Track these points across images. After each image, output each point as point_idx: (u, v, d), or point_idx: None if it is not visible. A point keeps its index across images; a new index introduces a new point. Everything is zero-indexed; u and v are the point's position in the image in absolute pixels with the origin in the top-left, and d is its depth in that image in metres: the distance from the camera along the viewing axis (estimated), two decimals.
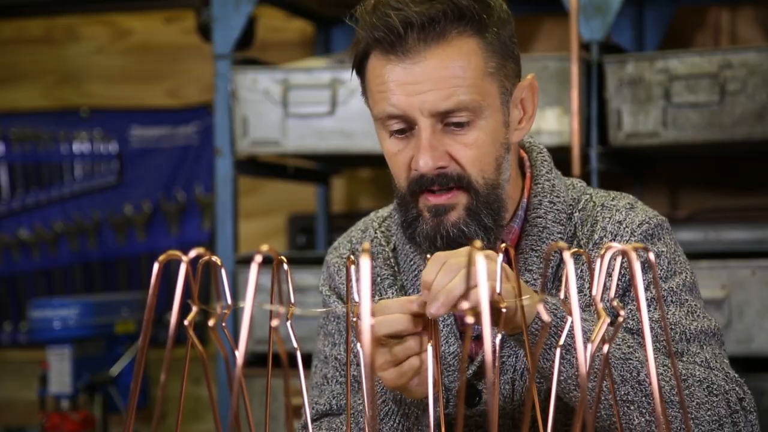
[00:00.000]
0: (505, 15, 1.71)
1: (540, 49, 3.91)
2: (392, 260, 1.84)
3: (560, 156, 3.19)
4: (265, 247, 1.01)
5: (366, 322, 0.89)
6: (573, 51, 3.07)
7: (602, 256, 1.03)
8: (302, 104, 3.34)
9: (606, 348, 1.08)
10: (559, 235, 1.76)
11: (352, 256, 1.33)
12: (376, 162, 3.77)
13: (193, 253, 1.06)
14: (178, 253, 1.05)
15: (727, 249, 3.16)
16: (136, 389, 1.07)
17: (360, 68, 1.71)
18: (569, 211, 1.81)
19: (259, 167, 3.64)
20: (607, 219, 1.82)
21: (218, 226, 3.47)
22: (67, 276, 4.54)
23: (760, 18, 3.75)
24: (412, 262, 1.81)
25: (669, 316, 1.77)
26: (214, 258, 1.10)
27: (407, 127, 1.66)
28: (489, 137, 1.67)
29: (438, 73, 1.63)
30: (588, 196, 1.85)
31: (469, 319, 0.97)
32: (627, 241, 1.79)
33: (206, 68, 3.91)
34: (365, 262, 0.92)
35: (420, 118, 1.64)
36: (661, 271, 1.82)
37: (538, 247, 1.74)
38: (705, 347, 1.78)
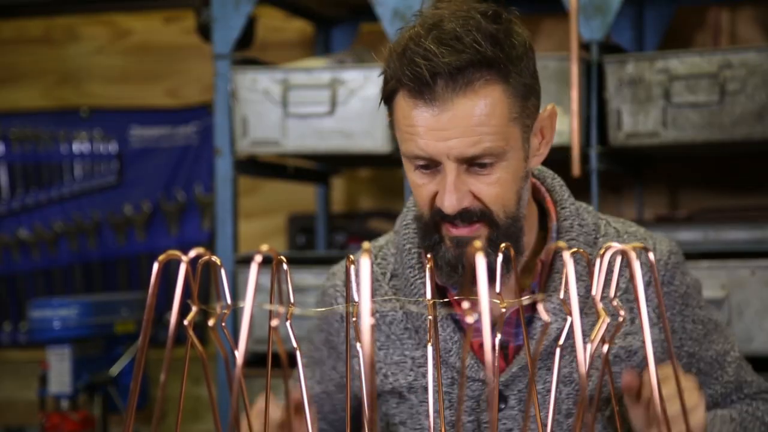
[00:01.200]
0: (526, 50, 1.74)
1: (540, 49, 3.89)
2: (390, 292, 1.90)
3: (560, 156, 3.20)
4: (264, 247, 1.01)
5: (366, 322, 0.89)
6: (573, 51, 3.07)
7: (602, 256, 1.03)
8: (302, 104, 3.34)
9: (605, 348, 1.08)
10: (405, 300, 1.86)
11: (351, 256, 1.33)
12: (376, 162, 3.77)
13: (192, 253, 1.06)
14: (177, 253, 1.05)
15: (726, 249, 3.16)
16: (136, 389, 1.07)
17: (388, 100, 1.75)
18: (594, 235, 1.87)
19: (259, 167, 3.64)
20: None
21: (218, 226, 3.46)
22: (67, 276, 4.54)
23: (760, 18, 3.75)
24: (413, 287, 1.86)
25: (717, 348, 1.95)
26: (214, 258, 1.10)
27: (432, 164, 1.72)
28: (511, 175, 1.73)
29: (465, 121, 1.67)
30: (604, 221, 1.93)
31: (469, 319, 0.97)
32: (662, 275, 1.89)
33: (206, 68, 3.91)
34: (365, 262, 0.92)
35: (446, 162, 1.69)
36: (694, 300, 1.94)
37: (583, 262, 1.81)
38: (745, 368, 1.99)
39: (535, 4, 3.81)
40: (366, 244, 0.97)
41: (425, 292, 1.75)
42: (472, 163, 1.70)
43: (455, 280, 1.78)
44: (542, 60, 3.15)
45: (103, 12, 4.53)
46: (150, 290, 1.06)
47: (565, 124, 3.11)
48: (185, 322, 1.01)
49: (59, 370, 3.88)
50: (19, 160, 4.59)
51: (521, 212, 1.78)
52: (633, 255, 1.02)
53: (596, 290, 1.03)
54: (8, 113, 4.60)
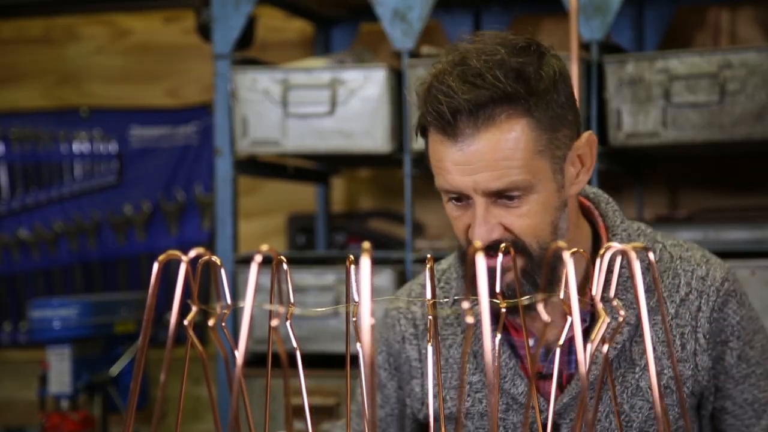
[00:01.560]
0: (555, 81, 1.75)
1: None
2: (452, 318, 1.93)
3: None
4: (264, 247, 1.01)
5: (366, 322, 0.89)
6: (573, 51, 3.07)
7: (602, 256, 1.03)
8: (302, 104, 3.34)
9: (606, 348, 1.08)
10: (644, 285, 1.81)
11: (351, 256, 1.33)
12: (376, 162, 3.77)
13: (192, 253, 1.05)
14: (177, 253, 1.05)
15: (726, 249, 3.15)
16: (136, 389, 1.07)
17: (423, 135, 1.80)
18: (646, 262, 1.86)
19: (259, 167, 3.64)
20: (690, 274, 1.90)
21: (218, 226, 3.46)
22: (67, 276, 4.54)
23: (760, 18, 3.75)
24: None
25: (757, 395, 1.90)
26: (214, 258, 1.10)
27: (463, 197, 1.75)
28: (541, 207, 1.74)
29: (489, 156, 1.70)
30: (660, 245, 1.93)
31: (469, 319, 0.97)
32: (714, 301, 1.88)
33: (206, 68, 3.91)
34: (365, 263, 0.92)
35: (474, 195, 1.72)
36: (746, 335, 1.91)
37: (623, 297, 1.81)
38: None
39: (535, 4, 3.81)
40: (366, 244, 0.97)
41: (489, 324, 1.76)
42: (500, 196, 1.73)
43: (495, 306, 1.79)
44: None
45: (103, 12, 4.53)
46: (150, 290, 1.06)
47: None
48: (185, 322, 1.01)
49: (59, 370, 3.88)
50: (19, 160, 4.59)
51: (557, 240, 1.79)
52: (633, 255, 1.02)
53: (596, 290, 1.03)
54: (8, 113, 4.60)
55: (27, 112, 4.58)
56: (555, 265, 1.76)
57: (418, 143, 3.23)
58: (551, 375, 1.80)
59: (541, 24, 3.93)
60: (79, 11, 4.53)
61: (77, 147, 4.55)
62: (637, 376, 1.82)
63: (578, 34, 3.09)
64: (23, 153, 4.59)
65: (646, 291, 1.80)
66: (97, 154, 4.55)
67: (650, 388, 1.67)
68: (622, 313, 1.07)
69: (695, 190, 3.82)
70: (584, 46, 3.16)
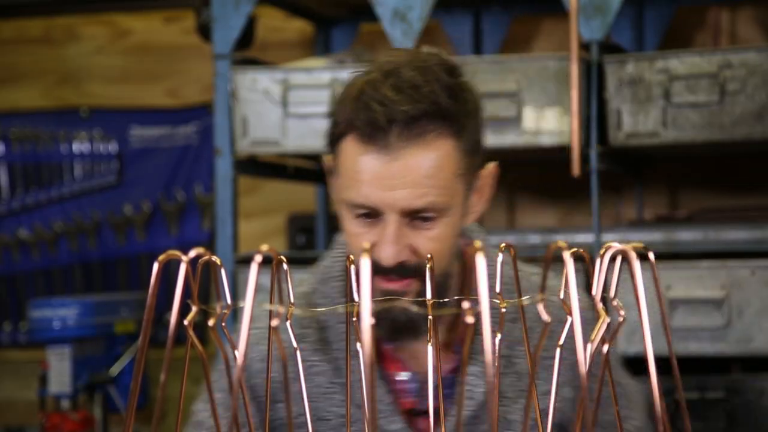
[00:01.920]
0: (477, 107, 1.71)
1: (540, 49, 3.92)
2: (320, 342, 1.79)
3: (560, 156, 3.20)
4: (264, 247, 1.01)
5: (366, 322, 0.89)
6: (573, 51, 3.07)
7: (602, 256, 1.03)
8: (302, 104, 3.34)
9: (606, 348, 1.08)
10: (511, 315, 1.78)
11: (351, 256, 1.33)
12: None
13: (192, 253, 1.05)
14: (177, 253, 1.05)
15: (726, 249, 3.16)
16: (136, 389, 1.07)
17: (334, 144, 1.71)
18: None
19: (259, 167, 3.64)
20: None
21: (218, 226, 3.46)
22: (67, 276, 4.54)
23: (760, 18, 3.75)
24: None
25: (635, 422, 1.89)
26: (214, 258, 1.10)
27: (374, 214, 1.66)
28: (450, 231, 1.68)
29: (415, 173, 1.63)
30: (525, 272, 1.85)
31: (469, 319, 0.97)
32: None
33: (206, 68, 3.91)
34: (365, 263, 0.92)
35: (389, 213, 1.64)
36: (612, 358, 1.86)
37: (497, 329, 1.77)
38: None
39: (534, 4, 3.81)
40: (366, 245, 0.97)
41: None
42: (414, 217, 1.65)
43: (379, 334, 1.72)
44: (542, 60, 3.16)
45: (103, 12, 4.53)
46: (150, 290, 1.06)
47: (565, 124, 3.11)
48: (185, 322, 1.01)
49: (59, 370, 3.88)
50: (19, 160, 4.59)
51: (452, 269, 1.74)
52: (633, 255, 1.02)
53: (596, 291, 1.03)
54: (8, 113, 4.60)
55: (27, 112, 4.58)
56: (446, 293, 1.70)
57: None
58: (425, 411, 1.72)
59: (541, 24, 3.93)
60: (79, 11, 4.53)
61: (77, 147, 4.55)
62: (506, 408, 1.76)
63: (578, 34, 3.09)
64: (23, 153, 4.59)
65: (513, 320, 1.73)
66: (97, 154, 4.55)
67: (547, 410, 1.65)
68: (622, 313, 1.07)
69: (695, 190, 3.82)
70: (584, 46, 3.16)
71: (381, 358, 1.75)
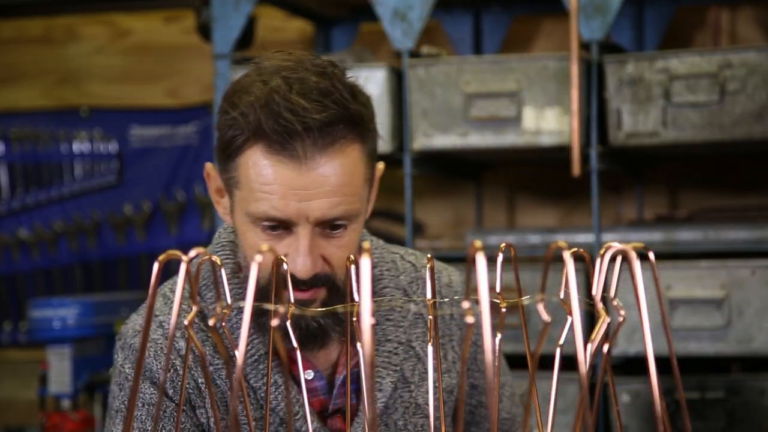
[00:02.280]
0: (372, 106, 1.68)
1: (540, 49, 3.91)
2: (213, 353, 1.67)
3: (560, 156, 3.20)
4: (265, 247, 1.01)
5: (366, 321, 0.89)
6: (573, 51, 3.07)
7: (602, 256, 1.03)
8: None
9: (606, 348, 1.08)
10: (402, 300, 1.77)
11: (351, 256, 1.33)
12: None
13: (192, 253, 1.05)
14: (178, 252, 1.05)
15: (726, 249, 3.16)
16: (136, 389, 1.07)
17: (233, 155, 1.62)
18: (401, 275, 1.82)
19: None
20: (436, 282, 1.81)
21: (218, 226, 3.46)
22: (67, 276, 4.54)
23: (760, 18, 3.75)
24: (250, 347, 1.67)
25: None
26: (214, 258, 1.10)
27: (282, 225, 1.61)
28: (355, 238, 1.66)
29: (330, 181, 1.59)
30: (398, 255, 1.85)
31: (469, 319, 0.97)
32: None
33: (206, 68, 3.91)
34: (366, 262, 0.92)
35: (303, 224, 1.60)
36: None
37: (392, 316, 1.76)
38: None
39: (535, 4, 3.81)
40: (366, 244, 0.97)
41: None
42: (326, 225, 1.61)
43: (290, 346, 1.70)
44: (542, 60, 3.16)
45: (103, 12, 4.53)
46: (150, 290, 1.06)
47: (565, 124, 3.11)
48: (185, 322, 1.01)
49: (59, 369, 3.88)
50: (19, 159, 4.59)
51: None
52: (633, 255, 1.02)
53: (596, 290, 1.03)
54: (8, 113, 4.60)
55: (27, 111, 4.58)
56: (345, 298, 1.57)
57: (418, 142, 3.23)
58: (339, 410, 1.71)
59: (541, 24, 3.93)
60: (79, 11, 4.53)
61: (77, 147, 4.55)
62: (413, 394, 1.75)
63: (578, 33, 3.09)
64: (23, 153, 4.59)
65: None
66: (97, 153, 4.55)
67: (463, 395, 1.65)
68: (622, 312, 1.07)
69: (695, 189, 3.82)
70: (584, 46, 3.16)
71: (288, 360, 1.67)
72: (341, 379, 1.72)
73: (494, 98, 3.15)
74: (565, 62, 3.10)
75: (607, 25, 3.12)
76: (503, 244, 1.24)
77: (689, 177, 3.81)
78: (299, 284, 1.60)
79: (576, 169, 3.07)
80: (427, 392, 1.74)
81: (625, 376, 3.13)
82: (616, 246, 1.02)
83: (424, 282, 1.80)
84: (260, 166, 1.59)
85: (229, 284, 1.55)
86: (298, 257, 1.59)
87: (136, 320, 1.72)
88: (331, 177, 1.59)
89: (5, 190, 4.60)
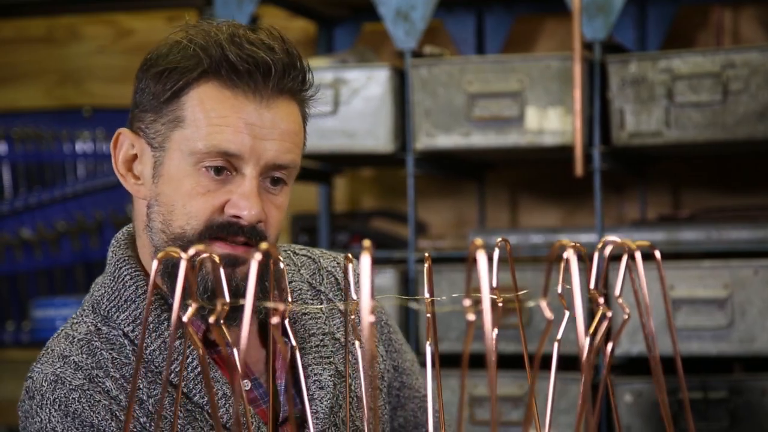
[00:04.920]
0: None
1: (542, 49, 3.91)
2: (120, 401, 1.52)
3: (563, 156, 3.20)
4: (264, 245, 1.01)
5: (366, 320, 0.89)
6: (576, 50, 3.06)
7: (600, 250, 1.02)
8: None
9: (609, 348, 1.08)
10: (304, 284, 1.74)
11: (350, 255, 1.32)
12: (379, 161, 3.76)
13: (192, 251, 1.05)
14: (177, 250, 1.04)
15: (729, 249, 3.15)
16: (134, 389, 1.07)
17: (179, 91, 1.59)
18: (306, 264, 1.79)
19: None
20: (339, 270, 1.76)
21: None
22: (70, 275, 4.54)
23: (763, 17, 3.75)
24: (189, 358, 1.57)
25: (410, 357, 1.84)
26: (214, 255, 1.10)
27: (228, 168, 1.57)
28: (287, 201, 1.63)
29: (284, 125, 1.58)
30: (289, 251, 1.81)
31: (470, 317, 0.97)
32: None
33: None
34: (366, 260, 0.92)
35: (252, 166, 1.56)
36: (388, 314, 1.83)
37: (307, 311, 1.69)
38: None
39: (537, 4, 3.81)
40: (366, 242, 0.96)
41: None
42: (267, 177, 1.58)
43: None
44: (545, 60, 3.16)
45: (105, 12, 4.53)
46: (149, 287, 1.06)
47: (567, 124, 3.10)
48: (184, 319, 1.01)
49: None
50: (22, 159, 4.59)
51: None
52: (638, 254, 1.02)
53: (593, 283, 1.03)
54: (10, 113, 4.60)
55: (29, 111, 4.58)
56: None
57: (420, 142, 3.23)
58: (287, 418, 1.59)
59: (544, 23, 3.93)
60: (81, 11, 4.53)
61: (80, 146, 4.55)
62: (352, 387, 1.66)
63: (581, 33, 3.09)
64: (26, 152, 4.59)
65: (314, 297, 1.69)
66: (100, 153, 4.55)
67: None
68: (627, 311, 1.07)
69: (698, 189, 3.81)
70: (587, 46, 3.16)
71: (227, 367, 1.56)
72: (283, 385, 1.60)
73: (497, 98, 3.15)
74: (567, 62, 3.10)
75: (609, 24, 3.12)
76: (499, 239, 1.24)
77: (692, 177, 3.81)
78: (237, 233, 1.54)
79: (579, 169, 3.07)
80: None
81: (627, 376, 3.12)
82: (614, 240, 1.02)
83: (327, 273, 1.75)
84: (216, 99, 1.55)
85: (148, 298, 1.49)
86: (244, 200, 1.54)
87: (46, 370, 1.62)
88: (285, 121, 1.58)
89: (8, 190, 4.60)
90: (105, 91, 4.55)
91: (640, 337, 3.06)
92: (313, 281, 1.75)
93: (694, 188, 3.81)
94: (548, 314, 1.06)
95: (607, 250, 1.01)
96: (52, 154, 4.57)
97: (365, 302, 0.89)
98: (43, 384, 1.61)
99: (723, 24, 3.75)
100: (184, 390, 1.53)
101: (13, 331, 4.57)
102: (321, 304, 1.72)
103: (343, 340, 1.69)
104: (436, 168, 3.48)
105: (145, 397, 1.47)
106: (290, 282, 1.71)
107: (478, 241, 0.97)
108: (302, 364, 1.59)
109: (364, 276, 0.91)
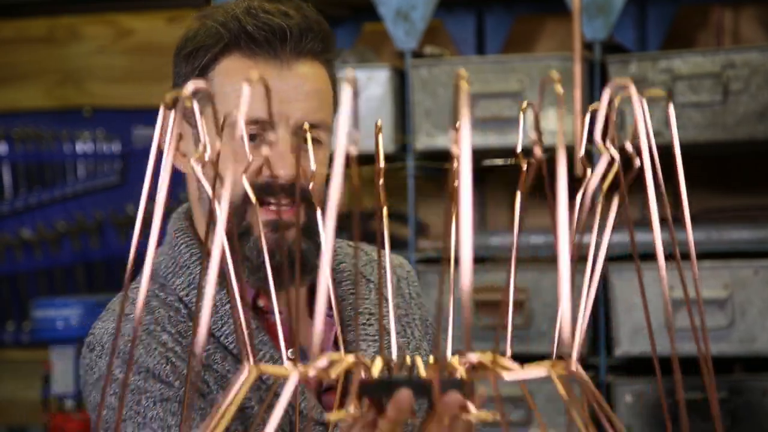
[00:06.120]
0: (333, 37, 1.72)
1: (543, 49, 3.91)
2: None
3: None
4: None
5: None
6: (576, 51, 3.07)
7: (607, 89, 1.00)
8: None
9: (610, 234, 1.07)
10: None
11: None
12: None
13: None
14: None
15: (729, 249, 3.15)
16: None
17: (206, 68, 1.65)
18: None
19: None
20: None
21: None
22: (70, 275, 4.54)
23: (763, 17, 3.75)
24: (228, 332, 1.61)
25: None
26: (186, 99, 1.09)
27: (257, 136, 1.60)
28: (327, 158, 1.65)
29: (309, 86, 1.61)
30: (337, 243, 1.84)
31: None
32: (415, 286, 1.82)
33: None
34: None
35: (282, 128, 1.59)
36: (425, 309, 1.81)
37: (353, 291, 1.71)
38: None
39: (537, 4, 3.81)
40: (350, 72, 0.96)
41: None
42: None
43: (262, 275, 1.56)
44: (545, 60, 3.16)
45: (105, 12, 4.53)
46: (204, 251, 1.06)
47: (568, 124, 3.11)
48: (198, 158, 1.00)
49: (62, 369, 3.88)
50: (22, 159, 4.59)
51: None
52: (633, 88, 1.01)
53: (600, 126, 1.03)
54: (11, 113, 4.60)
55: (30, 111, 4.59)
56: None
57: (420, 143, 3.23)
58: (331, 386, 1.58)
59: (544, 24, 3.93)
60: (82, 11, 4.54)
61: (80, 147, 4.55)
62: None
63: (581, 33, 3.09)
64: (26, 152, 4.59)
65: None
66: (100, 153, 4.55)
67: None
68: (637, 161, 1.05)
69: (698, 189, 3.81)
70: (587, 46, 3.16)
71: (271, 334, 1.60)
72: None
73: (497, 98, 3.15)
74: (568, 62, 3.10)
75: (609, 25, 3.12)
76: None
77: (692, 177, 3.80)
78: (278, 192, 1.57)
79: (579, 169, 3.07)
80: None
81: (628, 376, 3.12)
82: (626, 82, 1.00)
83: (377, 263, 1.77)
84: (240, 70, 1.60)
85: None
86: (278, 159, 1.57)
87: (106, 326, 1.64)
88: (310, 82, 1.62)
89: (8, 190, 4.60)
90: (105, 91, 4.55)
91: (640, 337, 3.06)
92: (365, 270, 1.79)
93: (694, 188, 3.80)
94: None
95: (617, 101, 1.00)
96: (52, 155, 4.57)
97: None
98: (103, 337, 1.63)
99: (723, 24, 3.75)
100: (234, 351, 1.57)
101: (13, 331, 4.57)
102: (369, 291, 1.75)
103: (386, 324, 1.66)
104: (436, 168, 3.48)
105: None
106: (338, 264, 1.75)
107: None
108: (346, 340, 1.61)
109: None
